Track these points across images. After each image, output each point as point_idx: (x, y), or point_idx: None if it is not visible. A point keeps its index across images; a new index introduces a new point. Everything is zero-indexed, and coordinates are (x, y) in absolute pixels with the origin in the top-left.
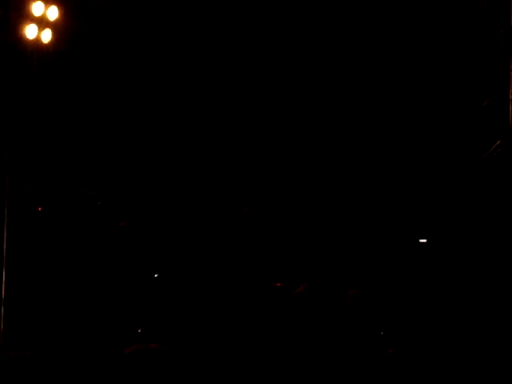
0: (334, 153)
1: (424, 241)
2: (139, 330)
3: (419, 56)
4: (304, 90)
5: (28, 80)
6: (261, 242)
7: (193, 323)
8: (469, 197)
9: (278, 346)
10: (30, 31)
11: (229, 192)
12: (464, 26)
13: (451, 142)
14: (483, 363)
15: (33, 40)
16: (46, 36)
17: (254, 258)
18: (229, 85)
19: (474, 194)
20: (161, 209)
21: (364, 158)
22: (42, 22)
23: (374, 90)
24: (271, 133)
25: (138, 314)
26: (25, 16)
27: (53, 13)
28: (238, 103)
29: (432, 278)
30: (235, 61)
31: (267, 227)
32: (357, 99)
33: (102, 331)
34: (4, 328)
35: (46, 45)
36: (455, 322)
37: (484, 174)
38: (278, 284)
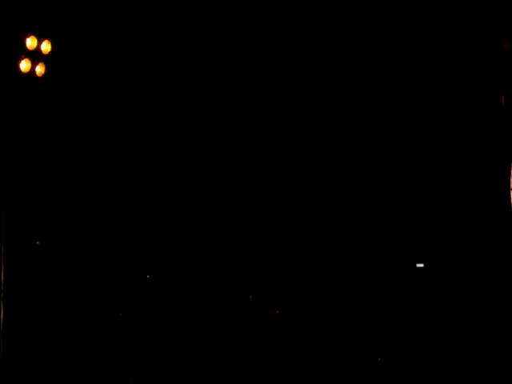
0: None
1: (421, 265)
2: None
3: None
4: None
5: (22, 114)
6: None
7: None
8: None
9: None
10: (24, 65)
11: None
12: None
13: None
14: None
15: (26, 73)
16: (40, 69)
17: None
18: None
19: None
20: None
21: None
22: (35, 56)
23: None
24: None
25: None
26: (18, 50)
27: (46, 46)
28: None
29: (429, 303)
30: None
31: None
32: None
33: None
34: (3, 365)
35: (39, 78)
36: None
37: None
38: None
